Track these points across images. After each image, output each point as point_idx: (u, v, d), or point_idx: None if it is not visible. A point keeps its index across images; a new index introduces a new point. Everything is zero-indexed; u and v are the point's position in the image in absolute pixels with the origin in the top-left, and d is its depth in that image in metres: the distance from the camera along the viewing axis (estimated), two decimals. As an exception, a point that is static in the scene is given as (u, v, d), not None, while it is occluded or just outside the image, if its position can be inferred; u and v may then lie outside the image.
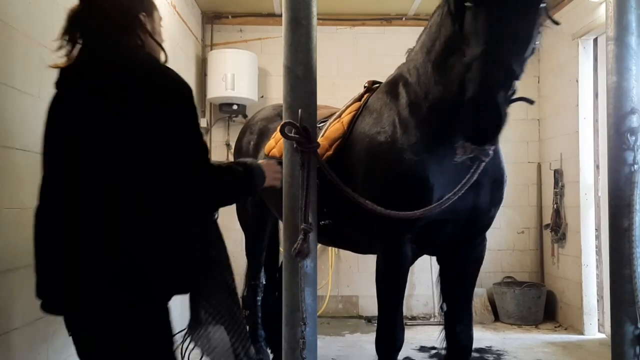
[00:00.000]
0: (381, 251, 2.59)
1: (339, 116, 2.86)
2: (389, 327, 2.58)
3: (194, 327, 1.92)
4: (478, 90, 1.84)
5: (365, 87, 2.96)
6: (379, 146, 2.53)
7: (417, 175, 2.39)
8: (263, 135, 3.41)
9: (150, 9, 1.78)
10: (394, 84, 2.67)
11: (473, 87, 1.86)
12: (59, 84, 1.69)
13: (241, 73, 5.41)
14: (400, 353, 2.66)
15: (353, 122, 2.75)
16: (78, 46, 1.66)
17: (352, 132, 2.72)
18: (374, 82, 2.90)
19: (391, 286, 2.58)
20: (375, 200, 2.18)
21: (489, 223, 2.63)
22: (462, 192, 2.14)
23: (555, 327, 5.32)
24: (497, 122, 1.84)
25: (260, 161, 1.97)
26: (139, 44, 1.67)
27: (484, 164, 2.17)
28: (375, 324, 2.66)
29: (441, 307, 2.76)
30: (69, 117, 1.59)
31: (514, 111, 6.51)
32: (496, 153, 2.55)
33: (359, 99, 2.91)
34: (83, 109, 1.55)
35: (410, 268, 6.08)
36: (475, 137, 1.91)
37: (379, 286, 2.60)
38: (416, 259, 2.63)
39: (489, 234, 5.99)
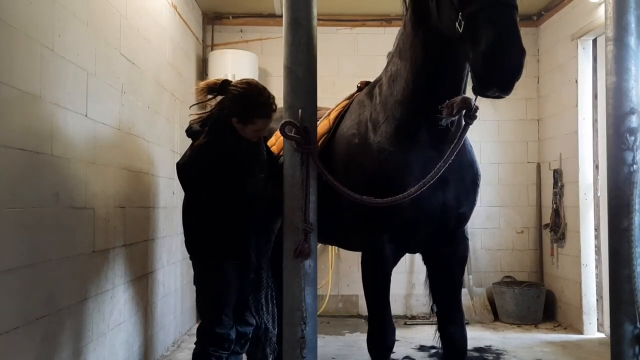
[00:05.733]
0: (363, 252, 2.66)
1: (329, 115, 2.94)
2: (378, 326, 2.62)
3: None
4: (500, 30, 1.86)
5: (358, 86, 3.03)
6: (353, 148, 2.64)
7: (386, 172, 2.46)
8: (268, 134, 3.45)
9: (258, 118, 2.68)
10: (373, 86, 2.76)
11: (494, 29, 1.87)
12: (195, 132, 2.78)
13: (242, 73, 5.38)
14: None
15: (338, 120, 2.84)
16: None
17: (335, 132, 2.83)
18: (367, 83, 2.96)
19: (375, 285, 2.63)
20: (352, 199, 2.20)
21: (462, 221, 2.66)
22: (439, 175, 2.12)
23: (554, 326, 5.32)
24: (519, 62, 1.86)
25: None
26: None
27: (465, 135, 2.17)
28: (375, 324, 2.69)
29: (431, 309, 2.80)
30: None
31: (514, 111, 6.55)
32: (467, 151, 2.60)
33: (350, 98, 2.99)
34: None
35: (410, 268, 6.12)
36: (493, 80, 1.90)
37: (364, 286, 2.67)
38: (398, 259, 2.68)
39: (489, 233, 6.02)
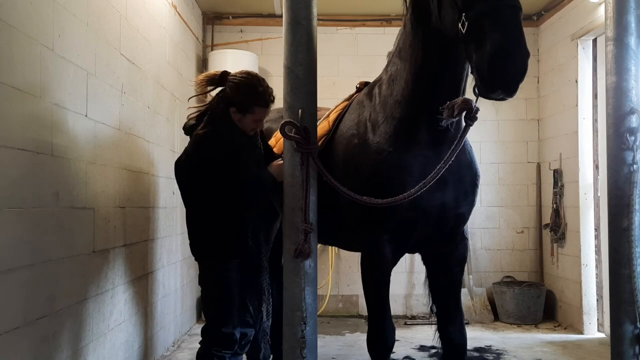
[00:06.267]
0: (363, 252, 2.66)
1: (328, 116, 2.94)
2: (378, 326, 2.62)
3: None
4: (505, 32, 1.87)
5: (357, 87, 3.03)
6: (352, 148, 2.64)
7: (385, 172, 2.46)
8: (268, 135, 3.46)
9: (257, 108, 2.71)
10: (373, 86, 2.76)
11: (500, 32, 1.87)
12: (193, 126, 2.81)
13: (241, 73, 5.40)
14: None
15: (337, 121, 2.84)
16: None
17: (335, 132, 2.82)
18: (366, 83, 2.96)
19: (374, 285, 2.63)
20: (351, 200, 2.20)
21: (461, 221, 2.65)
22: (438, 176, 2.12)
23: (554, 326, 5.32)
24: (524, 65, 1.88)
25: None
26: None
27: (465, 136, 2.17)
28: (375, 324, 2.69)
29: (431, 309, 2.80)
30: None
31: (514, 111, 6.55)
32: (466, 152, 2.61)
33: (349, 99, 3.00)
34: None
35: (410, 268, 6.12)
36: (498, 83, 1.91)
37: (364, 286, 2.67)
38: (397, 259, 2.68)
39: (489, 233, 6.01)
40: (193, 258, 2.86)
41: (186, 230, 2.88)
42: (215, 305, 2.74)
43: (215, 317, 2.73)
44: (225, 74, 2.77)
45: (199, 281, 2.84)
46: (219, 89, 2.81)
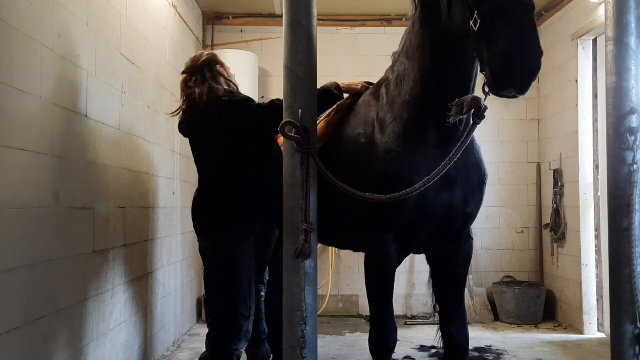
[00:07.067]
0: (367, 253, 2.65)
1: (329, 115, 2.94)
2: (380, 326, 2.61)
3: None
4: (520, 30, 1.86)
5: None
6: (359, 148, 2.63)
7: (393, 172, 2.45)
8: None
9: (221, 60, 3.02)
10: (378, 87, 2.75)
11: (513, 29, 1.86)
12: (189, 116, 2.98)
13: (242, 73, 5.37)
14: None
15: (339, 122, 2.83)
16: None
17: (337, 132, 2.81)
18: (368, 84, 2.96)
19: (378, 286, 2.62)
20: (356, 199, 2.19)
21: (468, 221, 2.65)
22: (443, 172, 2.11)
23: (554, 326, 5.32)
24: (537, 63, 1.86)
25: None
26: (221, 85, 2.94)
27: (472, 134, 2.17)
28: (376, 324, 2.68)
29: (434, 308, 2.80)
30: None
31: (514, 111, 6.54)
32: (474, 151, 2.60)
33: (348, 99, 2.99)
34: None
35: (410, 268, 6.11)
36: (511, 81, 1.90)
37: (367, 287, 2.66)
38: (402, 259, 2.67)
39: (489, 233, 6.01)
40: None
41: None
42: (227, 290, 2.72)
43: (227, 306, 2.71)
44: (184, 73, 3.01)
45: (205, 271, 2.87)
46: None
